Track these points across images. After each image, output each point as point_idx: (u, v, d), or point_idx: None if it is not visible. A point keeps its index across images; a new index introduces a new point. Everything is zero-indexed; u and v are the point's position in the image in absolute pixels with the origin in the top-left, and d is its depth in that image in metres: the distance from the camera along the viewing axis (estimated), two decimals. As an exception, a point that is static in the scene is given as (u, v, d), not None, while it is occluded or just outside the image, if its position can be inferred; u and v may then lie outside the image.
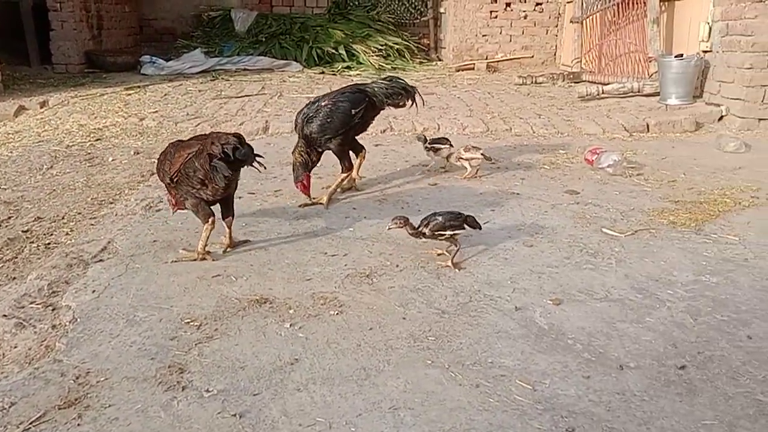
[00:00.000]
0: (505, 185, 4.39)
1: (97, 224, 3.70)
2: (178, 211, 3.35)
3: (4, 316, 2.59)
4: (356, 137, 4.25)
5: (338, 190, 4.17)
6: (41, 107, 7.13)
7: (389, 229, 3.09)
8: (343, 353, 2.38)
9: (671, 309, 2.71)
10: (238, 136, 2.98)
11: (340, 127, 3.98)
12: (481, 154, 4.42)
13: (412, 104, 4.38)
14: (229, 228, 3.27)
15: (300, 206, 3.96)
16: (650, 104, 6.62)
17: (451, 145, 4.60)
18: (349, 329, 2.54)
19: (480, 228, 3.21)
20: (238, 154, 2.94)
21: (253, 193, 4.17)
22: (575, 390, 2.17)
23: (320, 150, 4.02)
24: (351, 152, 4.21)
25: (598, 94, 6.98)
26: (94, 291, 2.82)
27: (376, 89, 4.20)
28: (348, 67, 9.99)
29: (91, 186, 4.53)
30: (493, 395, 2.14)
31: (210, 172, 2.96)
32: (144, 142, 5.76)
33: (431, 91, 7.98)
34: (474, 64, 10.05)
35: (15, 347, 2.41)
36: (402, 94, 4.29)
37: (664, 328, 2.56)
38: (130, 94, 7.88)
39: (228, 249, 3.28)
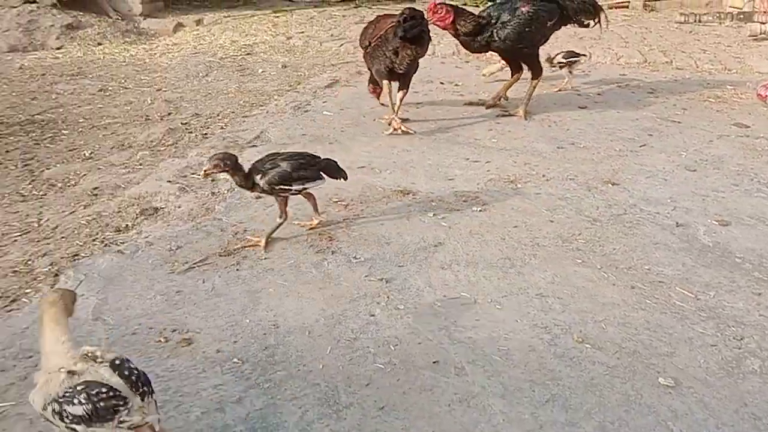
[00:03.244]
0: (664, 114, 4.05)
1: (249, 120, 3.86)
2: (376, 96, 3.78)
3: (169, 181, 2.78)
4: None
5: (529, 98, 3.96)
6: (197, 25, 7.51)
7: (204, 172, 2.14)
8: (487, 243, 2.32)
9: None
10: (411, 10, 3.11)
11: (534, 37, 3.70)
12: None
13: (596, 25, 4.01)
14: (400, 101, 3.48)
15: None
16: (840, 46, 5.80)
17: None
18: (492, 224, 2.48)
19: (345, 177, 2.31)
20: (407, 25, 3.09)
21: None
22: (744, 304, 1.98)
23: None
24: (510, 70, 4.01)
25: (775, 34, 6.21)
26: (248, 169, 2.96)
27: (567, 2, 3.81)
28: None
29: (243, 92, 4.72)
30: (650, 298, 2.00)
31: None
32: (291, 58, 5.91)
33: (581, 25, 7.48)
34: (629, 1, 9.28)
35: (179, 207, 2.58)
36: (591, 11, 3.90)
37: None
38: (278, 17, 8.11)
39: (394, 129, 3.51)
